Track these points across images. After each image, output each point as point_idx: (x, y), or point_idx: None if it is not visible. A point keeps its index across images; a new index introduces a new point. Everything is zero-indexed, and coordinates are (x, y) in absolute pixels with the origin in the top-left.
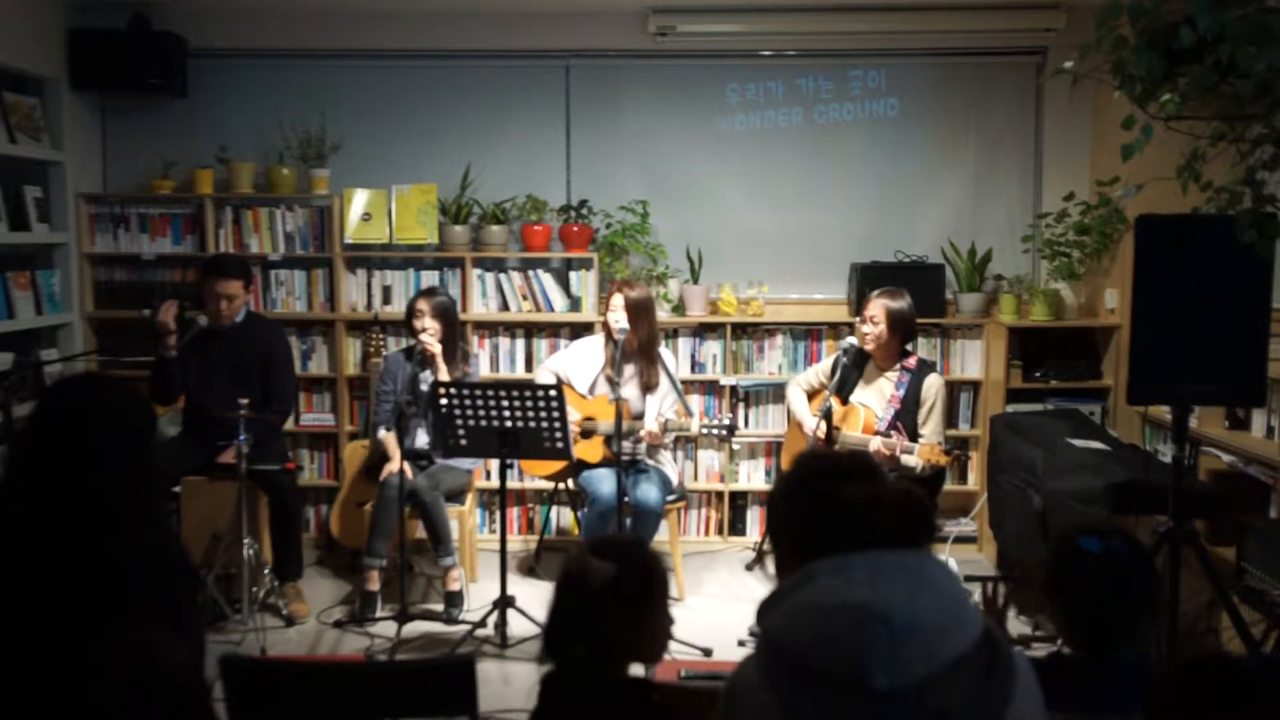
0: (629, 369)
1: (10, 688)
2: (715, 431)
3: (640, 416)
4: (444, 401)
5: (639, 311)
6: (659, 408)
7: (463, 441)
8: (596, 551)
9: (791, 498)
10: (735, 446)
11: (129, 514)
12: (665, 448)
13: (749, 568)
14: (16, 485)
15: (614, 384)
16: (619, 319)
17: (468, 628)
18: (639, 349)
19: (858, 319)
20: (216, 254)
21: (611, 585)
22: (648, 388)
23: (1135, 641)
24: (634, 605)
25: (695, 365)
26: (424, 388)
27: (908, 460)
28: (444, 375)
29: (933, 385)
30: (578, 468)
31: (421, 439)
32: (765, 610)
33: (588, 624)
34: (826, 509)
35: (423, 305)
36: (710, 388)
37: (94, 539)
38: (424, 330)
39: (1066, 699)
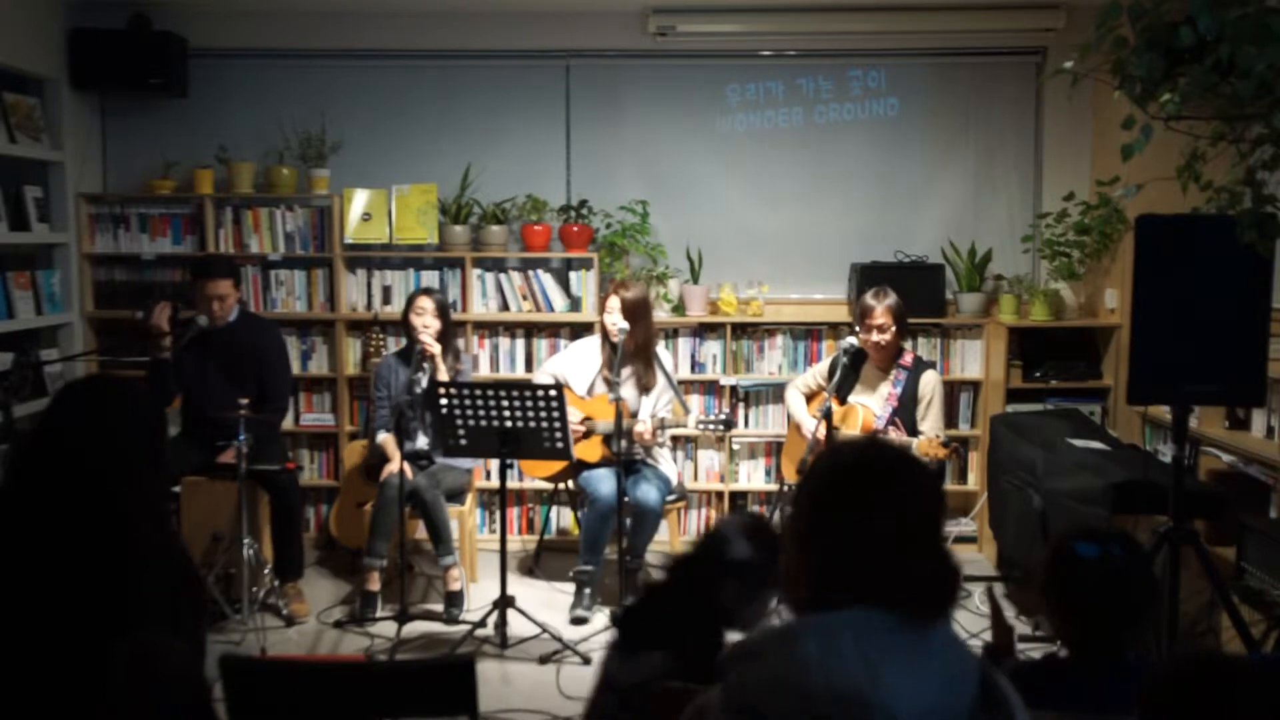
0: (626, 369)
1: (17, 687)
2: (712, 427)
3: (638, 415)
4: (444, 402)
5: (637, 312)
6: (653, 407)
7: (463, 441)
8: (748, 531)
9: (819, 511)
10: (735, 446)
11: (134, 515)
12: (662, 446)
13: None
14: (21, 485)
15: (613, 384)
16: (616, 320)
17: (468, 628)
18: (636, 350)
19: (858, 329)
20: (203, 255)
21: (740, 565)
22: (644, 388)
23: (1134, 644)
24: (746, 589)
25: (695, 365)
26: (419, 390)
27: None
28: (443, 374)
29: (930, 382)
30: (577, 468)
31: (422, 440)
32: (736, 663)
33: (705, 580)
34: (851, 540)
35: (424, 303)
36: (710, 388)
37: (97, 539)
38: (425, 329)
39: (1064, 699)
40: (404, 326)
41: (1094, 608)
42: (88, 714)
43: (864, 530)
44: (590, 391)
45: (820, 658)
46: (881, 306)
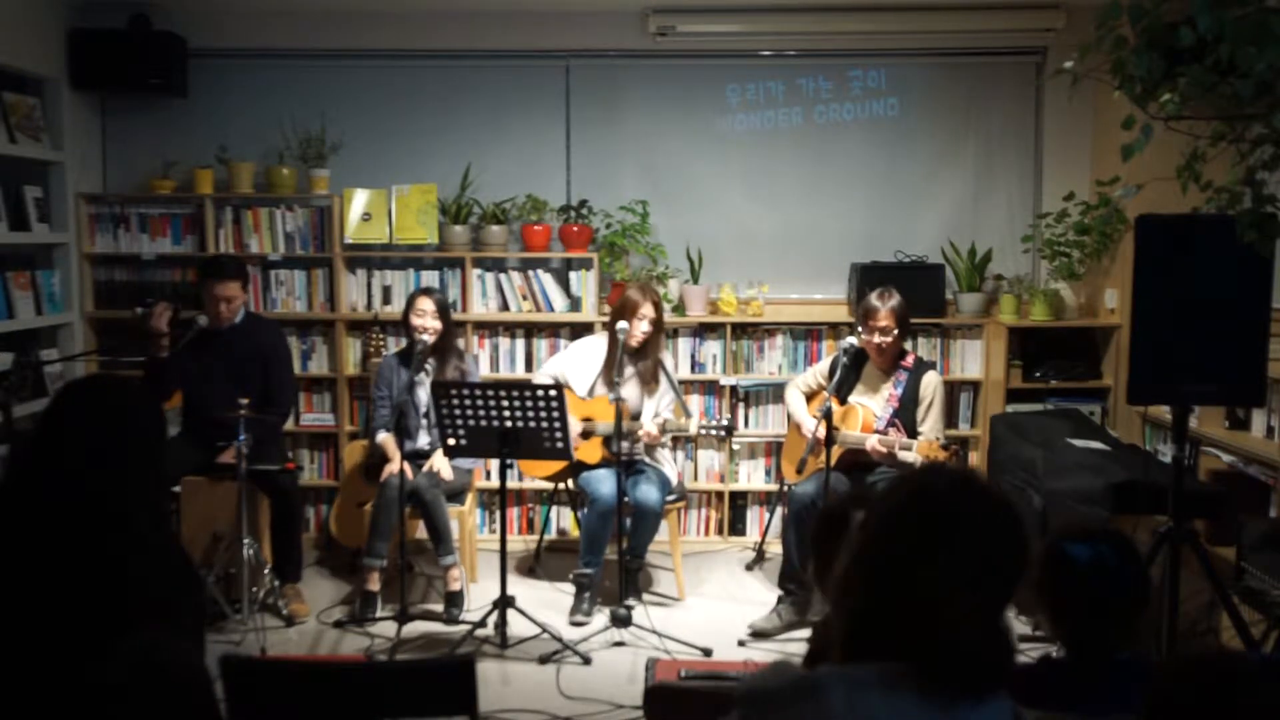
0: (629, 369)
1: (18, 688)
2: (714, 431)
3: (638, 416)
4: (444, 402)
5: (661, 317)
6: (656, 408)
7: (463, 441)
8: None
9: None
10: (735, 446)
11: (133, 514)
12: (664, 447)
13: (749, 568)
14: (21, 485)
15: (614, 384)
16: (649, 328)
17: (468, 628)
18: (645, 352)
19: (861, 330)
20: (214, 255)
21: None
22: (648, 390)
23: (1129, 642)
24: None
25: (695, 365)
26: (421, 390)
27: (905, 457)
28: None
29: (930, 383)
30: (577, 468)
31: (422, 440)
32: (755, 707)
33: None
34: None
35: (424, 304)
36: (710, 388)
37: (97, 539)
38: (424, 330)
39: (1059, 699)
40: (404, 327)
41: (1085, 608)
42: (90, 714)
43: (912, 584)
44: (591, 392)
45: (845, 712)
46: (886, 309)
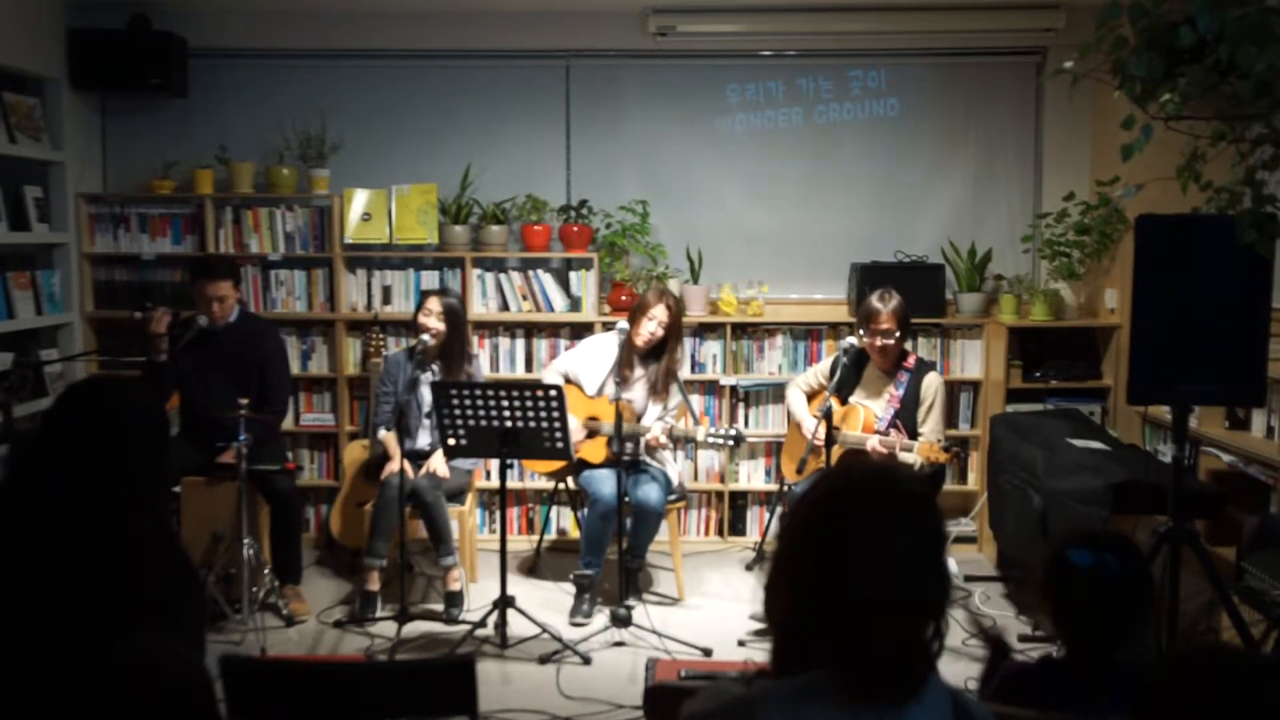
0: (638, 370)
1: (18, 688)
2: (722, 441)
3: (642, 419)
4: (444, 401)
5: (676, 328)
6: (661, 413)
7: (463, 441)
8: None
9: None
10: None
11: (134, 514)
12: (666, 448)
13: (749, 568)
14: (22, 485)
15: (625, 383)
16: (656, 330)
17: (468, 628)
18: (660, 356)
19: (862, 332)
20: (203, 256)
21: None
22: (656, 394)
23: (1130, 644)
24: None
25: (695, 365)
26: (424, 389)
27: (906, 458)
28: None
29: (932, 384)
30: (579, 466)
31: (423, 439)
32: None
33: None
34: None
35: (431, 304)
36: (710, 388)
37: (98, 539)
38: (426, 330)
39: (1060, 700)
40: (413, 325)
41: (1088, 614)
42: (89, 715)
43: (824, 589)
44: (600, 391)
45: None
46: (887, 310)
